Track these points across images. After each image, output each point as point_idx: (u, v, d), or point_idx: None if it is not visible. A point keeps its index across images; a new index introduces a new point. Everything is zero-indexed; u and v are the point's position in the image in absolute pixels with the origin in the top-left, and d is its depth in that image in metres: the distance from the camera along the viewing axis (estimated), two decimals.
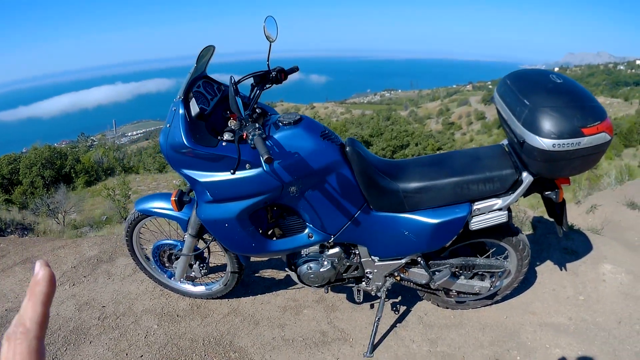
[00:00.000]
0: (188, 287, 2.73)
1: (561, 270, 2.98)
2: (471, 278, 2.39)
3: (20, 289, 2.90)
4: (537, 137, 1.75)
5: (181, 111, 1.81)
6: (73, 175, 13.55)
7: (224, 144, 1.82)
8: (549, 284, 2.86)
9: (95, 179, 13.99)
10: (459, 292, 2.47)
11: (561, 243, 3.26)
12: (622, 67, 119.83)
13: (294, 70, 2.16)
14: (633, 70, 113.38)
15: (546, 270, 2.99)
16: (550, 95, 1.78)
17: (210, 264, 2.65)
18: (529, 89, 1.84)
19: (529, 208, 4.51)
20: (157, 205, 2.34)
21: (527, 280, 2.87)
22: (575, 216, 4.22)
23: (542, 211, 4.10)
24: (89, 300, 2.78)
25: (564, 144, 1.72)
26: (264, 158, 1.53)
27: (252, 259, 3.12)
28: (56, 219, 8.34)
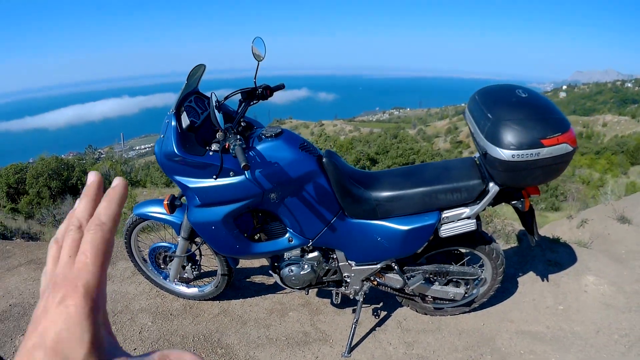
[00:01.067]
0: (182, 288, 2.89)
1: (543, 281, 3.06)
2: (446, 285, 2.50)
3: (25, 287, 3.06)
4: (497, 148, 1.89)
5: (173, 123, 1.99)
6: (80, 186, 13.66)
7: (210, 153, 2.00)
8: (529, 294, 2.96)
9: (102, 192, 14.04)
10: (434, 298, 2.59)
11: (546, 255, 3.34)
12: (629, 85, 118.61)
13: (279, 87, 2.35)
14: None
15: (528, 280, 3.08)
16: (512, 109, 1.91)
17: (202, 269, 2.82)
18: (493, 103, 1.98)
19: (516, 221, 4.59)
20: (153, 209, 2.52)
21: (508, 290, 2.97)
22: (565, 230, 4.29)
23: None
24: None
25: (523, 154, 1.85)
26: (242, 165, 1.70)
27: (243, 264, 3.29)
28: None
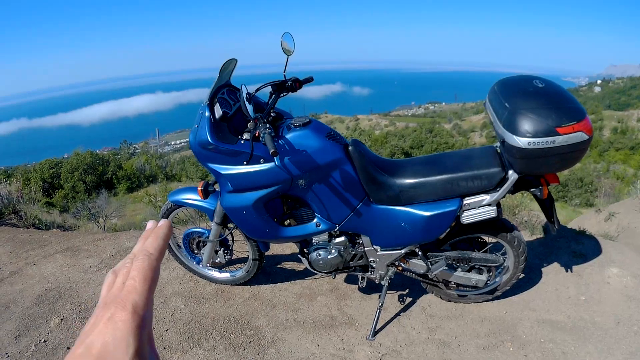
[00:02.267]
0: (214, 273, 3.04)
1: (567, 271, 3.09)
2: (468, 271, 2.57)
3: (61, 273, 3.24)
4: (514, 136, 1.95)
5: (207, 114, 2.13)
6: (115, 181, 13.97)
7: (242, 141, 2.13)
8: (552, 284, 2.99)
9: (137, 186, 14.41)
10: (457, 285, 2.66)
11: (571, 246, 3.36)
12: None
13: (308, 80, 2.46)
14: None
15: (552, 271, 3.11)
16: (528, 98, 1.98)
17: (234, 255, 2.95)
18: (510, 93, 2.05)
19: (542, 213, 4.56)
20: (188, 196, 2.67)
21: (531, 280, 3.01)
22: (593, 223, 4.27)
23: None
24: None
25: (538, 142, 1.91)
26: (271, 152, 1.82)
27: (274, 251, 3.42)
28: (97, 223, 8.64)
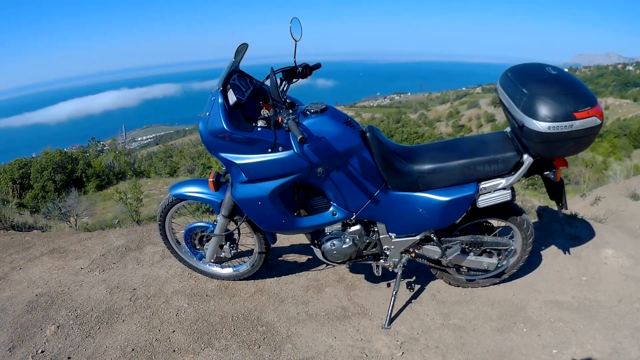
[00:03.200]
0: (216, 269, 2.93)
1: (565, 254, 3.16)
2: (480, 255, 2.59)
3: (50, 276, 3.04)
4: (534, 120, 1.99)
5: (220, 100, 2.04)
6: (84, 179, 13.68)
7: (259, 129, 2.05)
8: (553, 266, 3.05)
9: (106, 183, 14.15)
10: (469, 269, 2.68)
11: (565, 230, 3.44)
12: (631, 68, 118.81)
13: (317, 66, 2.41)
14: None
15: (551, 254, 3.18)
16: (546, 84, 2.03)
17: (238, 250, 2.86)
18: (527, 79, 2.09)
19: (534, 198, 4.70)
20: (191, 190, 2.55)
21: (533, 263, 3.06)
22: (580, 208, 4.40)
23: (546, 201, 4.28)
24: (119, 284, 2.95)
25: (558, 126, 1.97)
26: (298, 138, 1.75)
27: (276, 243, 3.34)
28: (68, 223, 8.41)
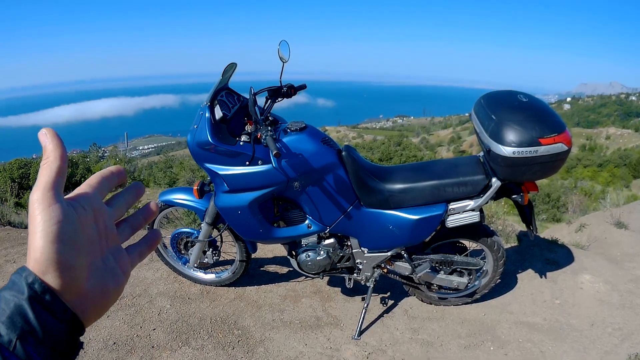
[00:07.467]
0: (200, 274, 3.06)
1: (541, 277, 3.23)
2: (450, 274, 2.68)
3: None
4: (500, 145, 2.10)
5: (207, 115, 2.19)
6: None
7: (241, 143, 2.20)
8: (528, 289, 3.12)
9: None
10: (439, 287, 2.77)
11: (544, 254, 3.51)
12: (634, 98, 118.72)
13: (302, 87, 2.56)
14: None
15: (527, 277, 3.25)
16: (514, 111, 2.13)
17: (221, 257, 2.98)
18: (497, 106, 2.21)
19: (516, 223, 4.78)
20: (179, 197, 2.70)
21: (507, 285, 3.14)
22: (564, 234, 4.46)
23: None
24: None
25: (522, 151, 2.06)
26: (273, 153, 1.89)
27: (256, 254, 3.45)
28: None
